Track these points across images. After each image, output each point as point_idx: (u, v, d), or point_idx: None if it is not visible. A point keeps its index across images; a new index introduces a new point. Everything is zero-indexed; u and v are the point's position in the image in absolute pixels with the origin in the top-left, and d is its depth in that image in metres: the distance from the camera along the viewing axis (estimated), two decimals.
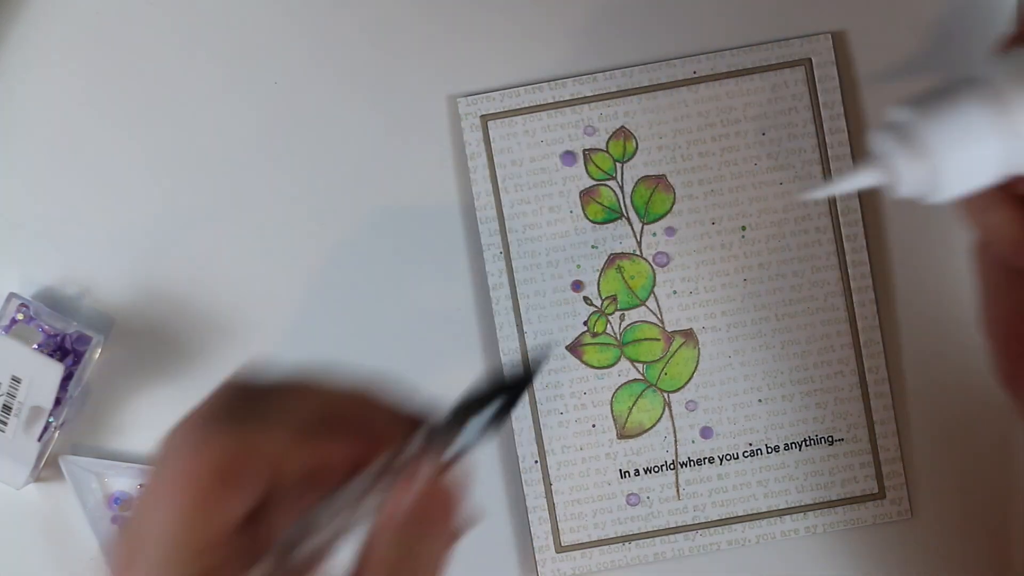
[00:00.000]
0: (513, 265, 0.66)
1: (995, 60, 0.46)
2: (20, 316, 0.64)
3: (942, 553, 0.66)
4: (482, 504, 0.65)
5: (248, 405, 0.37)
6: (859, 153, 0.66)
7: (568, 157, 0.66)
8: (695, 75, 0.66)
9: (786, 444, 0.65)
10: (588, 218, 0.66)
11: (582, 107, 0.66)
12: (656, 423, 0.66)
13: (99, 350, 0.65)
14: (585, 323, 0.66)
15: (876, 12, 0.66)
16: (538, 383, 0.65)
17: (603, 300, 0.66)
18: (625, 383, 0.66)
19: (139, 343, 0.66)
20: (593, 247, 0.66)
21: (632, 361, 0.66)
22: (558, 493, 0.65)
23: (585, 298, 0.66)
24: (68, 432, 0.65)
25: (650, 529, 0.65)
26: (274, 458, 0.36)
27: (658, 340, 0.66)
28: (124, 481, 0.66)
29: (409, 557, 0.37)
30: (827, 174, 0.66)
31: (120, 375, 0.66)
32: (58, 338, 0.64)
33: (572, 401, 0.66)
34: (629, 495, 0.65)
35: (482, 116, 0.66)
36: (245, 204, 0.66)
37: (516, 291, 0.66)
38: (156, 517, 0.36)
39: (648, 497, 0.65)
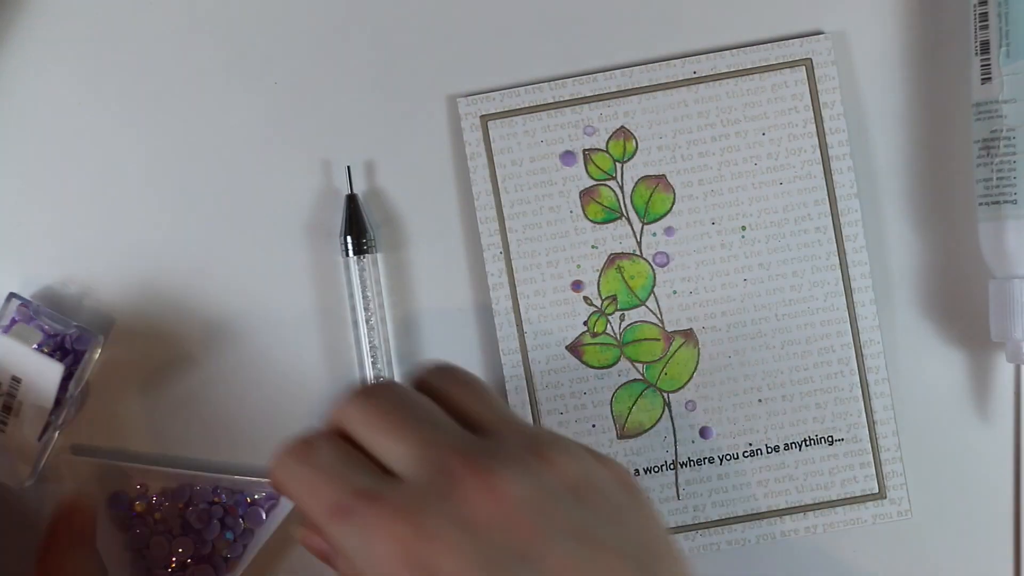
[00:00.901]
0: (513, 265, 0.66)
1: None
2: (20, 316, 0.64)
3: (942, 553, 0.66)
4: None
5: None
6: (859, 153, 0.66)
7: (568, 157, 0.66)
8: (695, 75, 0.66)
9: (786, 444, 0.65)
10: (588, 218, 0.66)
11: (582, 107, 0.66)
12: (656, 423, 0.66)
13: (99, 350, 0.65)
14: (585, 323, 0.66)
15: (876, 12, 0.66)
16: (538, 383, 0.65)
17: (603, 300, 0.66)
18: (625, 383, 0.66)
19: (139, 343, 0.66)
20: (593, 247, 0.66)
21: (632, 361, 0.66)
22: None
23: (585, 298, 0.66)
24: (68, 432, 0.65)
25: None
26: None
27: (658, 340, 0.66)
28: (124, 481, 0.66)
29: None
30: (827, 174, 0.66)
31: (120, 375, 0.66)
32: (58, 338, 0.64)
33: (572, 401, 0.66)
34: None
35: (482, 116, 0.66)
36: (245, 204, 0.66)
37: (516, 291, 0.66)
38: None
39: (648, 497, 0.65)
